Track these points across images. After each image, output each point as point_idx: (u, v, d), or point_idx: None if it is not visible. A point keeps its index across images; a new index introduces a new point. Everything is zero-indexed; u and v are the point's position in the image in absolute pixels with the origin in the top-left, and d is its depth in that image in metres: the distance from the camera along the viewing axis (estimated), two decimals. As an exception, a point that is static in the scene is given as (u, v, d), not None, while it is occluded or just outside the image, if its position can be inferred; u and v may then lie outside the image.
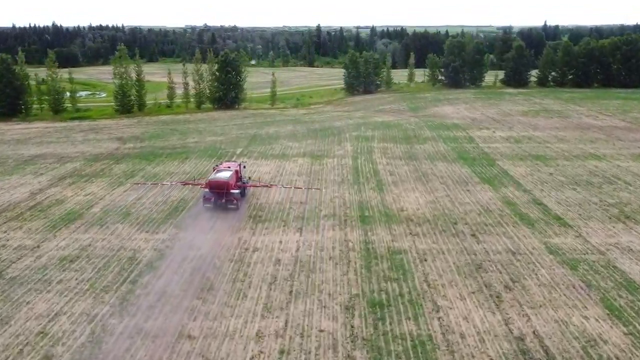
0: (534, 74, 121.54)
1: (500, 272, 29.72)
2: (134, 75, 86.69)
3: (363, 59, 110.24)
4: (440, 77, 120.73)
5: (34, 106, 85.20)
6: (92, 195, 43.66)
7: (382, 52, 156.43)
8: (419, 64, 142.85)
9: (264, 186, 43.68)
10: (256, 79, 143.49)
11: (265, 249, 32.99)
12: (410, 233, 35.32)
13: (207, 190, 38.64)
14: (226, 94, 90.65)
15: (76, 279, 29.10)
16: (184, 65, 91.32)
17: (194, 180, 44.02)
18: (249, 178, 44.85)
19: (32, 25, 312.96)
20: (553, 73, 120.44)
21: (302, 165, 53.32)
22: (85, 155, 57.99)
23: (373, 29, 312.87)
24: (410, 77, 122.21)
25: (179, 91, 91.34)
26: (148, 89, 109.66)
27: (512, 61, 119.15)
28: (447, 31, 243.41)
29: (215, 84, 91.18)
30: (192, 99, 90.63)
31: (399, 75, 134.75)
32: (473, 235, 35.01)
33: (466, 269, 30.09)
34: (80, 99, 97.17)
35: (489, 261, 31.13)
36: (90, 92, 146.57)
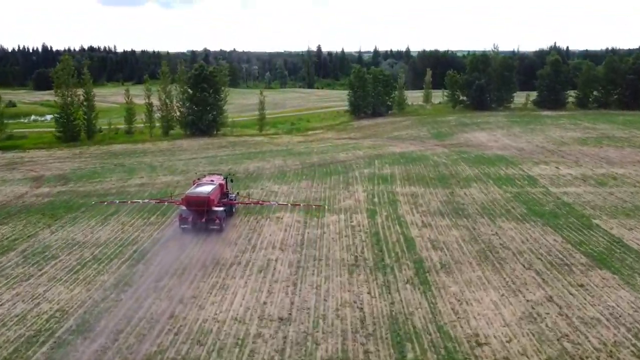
0: (572, 93, 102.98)
1: None
2: (81, 96, 67.90)
3: (371, 76, 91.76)
4: (461, 98, 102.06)
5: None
6: None
7: (389, 72, 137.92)
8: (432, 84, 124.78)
9: (254, 203, 37.06)
10: (248, 101, 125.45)
11: None
12: None
13: (183, 207, 32.26)
14: (201, 117, 71.72)
15: None
16: (146, 82, 72.62)
17: (170, 197, 36.91)
18: (237, 194, 38.33)
19: (22, 47, 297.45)
20: (595, 92, 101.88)
21: (290, 226, 33.84)
22: (-36, 208, 38.58)
23: (376, 50, 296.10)
24: (427, 98, 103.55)
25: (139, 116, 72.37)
26: (120, 112, 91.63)
27: (547, 79, 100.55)
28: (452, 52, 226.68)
29: (187, 104, 72.35)
30: (157, 124, 71.71)
31: (410, 97, 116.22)
32: None
33: None
34: (12, 124, 78.86)
35: None
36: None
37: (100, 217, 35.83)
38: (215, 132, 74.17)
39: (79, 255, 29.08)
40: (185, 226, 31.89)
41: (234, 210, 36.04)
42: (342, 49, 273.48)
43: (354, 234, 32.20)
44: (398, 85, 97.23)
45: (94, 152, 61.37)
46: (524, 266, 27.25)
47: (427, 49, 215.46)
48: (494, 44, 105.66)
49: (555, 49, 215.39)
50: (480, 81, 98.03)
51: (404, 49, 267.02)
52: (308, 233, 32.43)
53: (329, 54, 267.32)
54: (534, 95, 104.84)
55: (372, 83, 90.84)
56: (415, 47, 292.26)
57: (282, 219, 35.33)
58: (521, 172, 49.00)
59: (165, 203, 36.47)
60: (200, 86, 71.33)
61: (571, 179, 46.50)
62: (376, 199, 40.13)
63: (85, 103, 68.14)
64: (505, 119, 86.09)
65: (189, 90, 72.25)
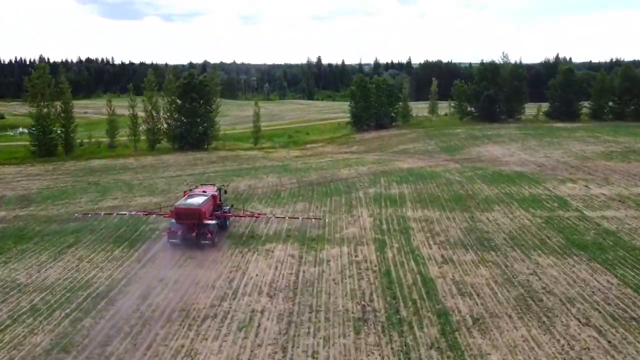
0: (585, 104, 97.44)
1: None
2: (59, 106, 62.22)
3: (374, 85, 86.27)
4: (469, 109, 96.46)
5: None
6: None
7: (393, 81, 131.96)
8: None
9: (249, 216, 34.67)
10: (245, 113, 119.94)
11: None
12: None
13: (173, 220, 29.71)
14: (190, 129, 66.02)
15: None
16: (130, 93, 66.90)
17: (159, 209, 33.97)
18: (232, 206, 35.77)
19: (19, 58, 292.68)
20: (610, 103, 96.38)
21: (282, 262, 27.91)
22: None
23: (377, 61, 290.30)
24: (432, 109, 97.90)
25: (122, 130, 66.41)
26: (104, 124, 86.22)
27: (560, 89, 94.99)
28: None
29: (176, 115, 66.69)
30: (142, 137, 66.04)
31: (413, 108, 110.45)
32: None
33: None
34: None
35: None
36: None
37: (55, 249, 29.88)
38: (206, 146, 68.42)
39: (15, 304, 23.10)
40: (174, 241, 29.30)
41: (227, 223, 33.42)
42: (343, 61, 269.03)
43: (359, 274, 26.22)
44: (402, 95, 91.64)
45: (69, 169, 55.51)
46: (579, 321, 21.26)
47: (430, 59, 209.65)
48: (503, 53, 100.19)
49: (558, 60, 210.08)
50: (489, 91, 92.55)
51: (404, 61, 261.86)
52: (303, 272, 26.47)
53: (329, 65, 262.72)
54: (545, 106, 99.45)
55: (375, 93, 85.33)
56: (417, 59, 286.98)
57: (272, 252, 29.38)
58: (547, 192, 43.09)
59: (154, 216, 33.58)
60: (190, 96, 65.71)
61: (606, 200, 40.58)
62: (385, 226, 34.19)
63: (63, 114, 62.53)
64: (518, 132, 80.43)
65: (178, 100, 66.64)
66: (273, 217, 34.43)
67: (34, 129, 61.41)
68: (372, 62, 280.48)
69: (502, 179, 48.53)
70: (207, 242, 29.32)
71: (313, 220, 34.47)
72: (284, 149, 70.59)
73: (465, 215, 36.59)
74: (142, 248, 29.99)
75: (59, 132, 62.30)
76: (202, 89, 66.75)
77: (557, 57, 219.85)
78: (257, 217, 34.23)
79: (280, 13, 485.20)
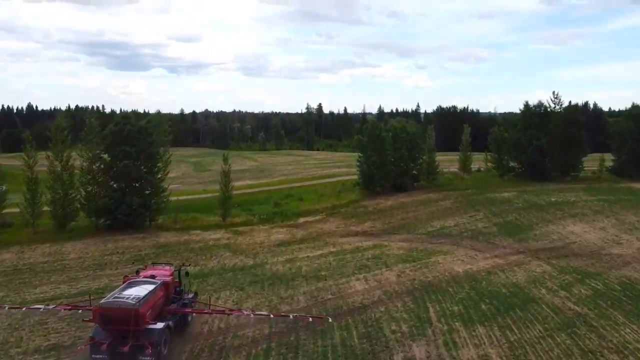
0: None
1: None
2: None
3: (390, 134, 64.42)
4: (512, 164, 74.36)
5: None
6: None
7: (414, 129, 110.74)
8: (451, 145, 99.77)
9: (218, 313, 23.16)
10: (232, 167, 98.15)
11: None
12: None
13: (97, 325, 19.25)
14: (121, 200, 43.51)
15: None
16: (27, 145, 44.04)
17: (89, 301, 21.79)
18: (195, 294, 24.85)
19: (7, 107, 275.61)
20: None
21: None
22: None
23: (381, 109, 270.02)
24: (465, 164, 75.60)
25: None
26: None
27: (631, 138, 73.12)
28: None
29: (100, 179, 44.41)
30: (46, 208, 43.47)
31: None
32: None
33: None
34: None
35: None
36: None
37: None
38: (148, 224, 45.77)
39: None
40: (99, 357, 18.32)
41: (189, 319, 22.67)
42: (345, 109, 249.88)
43: None
44: (427, 146, 69.63)
45: None
46: None
47: (438, 107, 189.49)
48: (554, 93, 77.73)
49: (587, 106, 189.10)
50: (539, 141, 70.74)
51: (409, 109, 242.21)
52: None
53: (331, 113, 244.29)
54: (607, 159, 77.34)
55: (391, 144, 63.41)
56: (423, 107, 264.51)
57: None
58: None
59: (80, 311, 21.48)
60: (122, 150, 43.60)
61: None
62: None
63: None
64: (591, 197, 57.93)
65: (104, 156, 44.52)
66: (252, 315, 22.58)
67: None
68: (375, 110, 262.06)
69: (657, 309, 25.58)
70: (147, 358, 18.20)
71: (311, 320, 22.19)
72: (264, 227, 47.79)
73: None
74: None
75: None
76: (142, 139, 44.70)
77: (586, 103, 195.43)
78: (228, 314, 23.37)
79: (282, 65, 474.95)
